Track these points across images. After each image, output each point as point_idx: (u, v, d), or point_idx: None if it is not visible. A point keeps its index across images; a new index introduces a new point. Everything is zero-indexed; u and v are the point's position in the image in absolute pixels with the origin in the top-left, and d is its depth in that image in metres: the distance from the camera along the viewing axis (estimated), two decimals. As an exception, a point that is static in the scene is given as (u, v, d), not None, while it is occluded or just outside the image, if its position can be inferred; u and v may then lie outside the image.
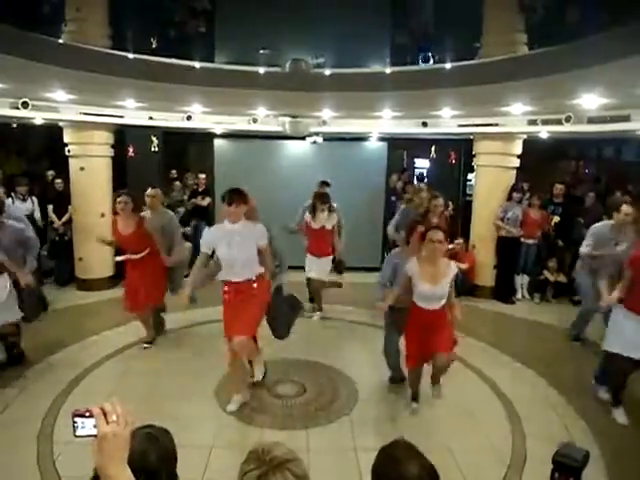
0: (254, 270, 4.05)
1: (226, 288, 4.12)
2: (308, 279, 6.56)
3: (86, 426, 1.18)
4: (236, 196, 3.95)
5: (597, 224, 5.49)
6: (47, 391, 4.43)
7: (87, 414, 1.18)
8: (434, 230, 3.97)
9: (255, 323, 4.16)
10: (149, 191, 5.50)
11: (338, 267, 6.61)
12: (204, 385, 4.62)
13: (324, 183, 7.08)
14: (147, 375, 4.87)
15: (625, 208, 5.06)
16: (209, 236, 4.12)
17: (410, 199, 6.61)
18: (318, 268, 6.35)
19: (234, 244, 3.94)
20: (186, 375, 4.86)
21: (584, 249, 5.36)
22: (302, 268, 6.54)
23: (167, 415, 4.01)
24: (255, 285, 4.06)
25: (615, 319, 4.18)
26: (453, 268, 4.01)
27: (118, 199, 5.10)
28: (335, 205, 6.40)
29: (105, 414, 1.18)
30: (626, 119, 5.74)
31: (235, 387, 4.35)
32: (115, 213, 5.31)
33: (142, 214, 5.22)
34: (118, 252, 5.66)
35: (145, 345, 5.46)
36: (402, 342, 4.45)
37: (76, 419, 1.18)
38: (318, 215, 6.16)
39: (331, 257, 6.42)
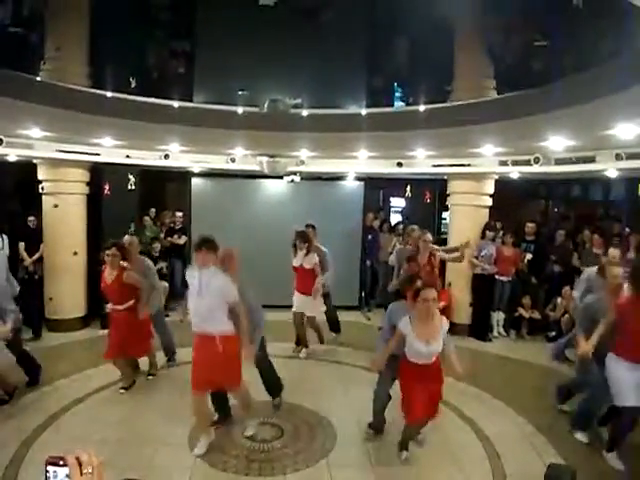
0: (217, 327, 3.87)
1: (196, 338, 4.04)
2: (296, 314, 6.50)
3: (58, 476, 1.12)
4: (204, 243, 3.88)
5: (588, 270, 5.26)
6: (11, 438, 4.19)
7: (61, 463, 1.12)
8: (427, 289, 3.82)
9: (236, 374, 4.07)
10: (126, 238, 5.50)
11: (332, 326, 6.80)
12: (178, 431, 4.45)
13: (309, 226, 6.83)
14: (118, 421, 4.67)
15: (612, 251, 5.05)
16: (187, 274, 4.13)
17: (406, 241, 6.66)
18: (308, 306, 6.35)
19: (199, 292, 3.83)
20: (159, 420, 4.67)
21: (575, 293, 5.21)
22: (288, 307, 6.52)
23: (139, 463, 3.87)
24: (220, 346, 3.87)
25: (616, 373, 3.98)
26: (445, 322, 3.96)
27: (107, 251, 5.07)
28: (324, 249, 6.48)
29: (80, 464, 1.12)
30: (591, 160, 5.98)
31: (201, 429, 4.25)
32: (104, 263, 5.27)
33: (124, 264, 5.18)
34: (106, 301, 5.56)
35: (121, 390, 5.28)
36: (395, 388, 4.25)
37: (49, 467, 1.12)
38: (298, 253, 6.21)
39: (314, 296, 6.37)
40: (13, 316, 4.86)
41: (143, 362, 5.74)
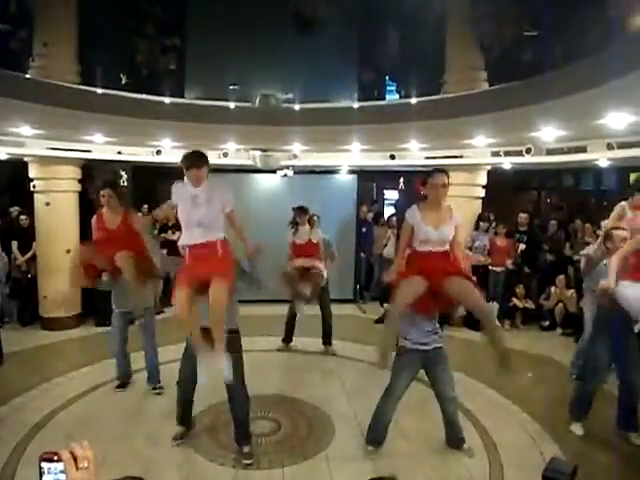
0: (217, 234, 3.71)
1: (187, 252, 3.71)
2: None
3: (53, 472, 1.10)
4: (195, 158, 3.70)
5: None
6: (8, 438, 4.19)
7: (55, 458, 1.11)
8: (437, 173, 3.71)
9: (226, 269, 3.64)
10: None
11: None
12: (174, 426, 4.45)
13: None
14: (114, 418, 4.67)
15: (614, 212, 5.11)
16: (174, 190, 3.80)
17: None
18: (313, 263, 6.12)
19: (197, 204, 3.62)
20: (155, 417, 4.68)
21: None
22: (282, 301, 6.48)
23: (137, 459, 3.87)
24: (219, 249, 3.67)
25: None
26: (456, 217, 3.78)
27: (101, 192, 4.83)
28: (326, 237, 6.40)
29: (75, 459, 1.11)
30: (583, 150, 6.02)
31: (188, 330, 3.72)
32: (98, 209, 4.97)
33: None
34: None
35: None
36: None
37: (43, 464, 1.11)
38: (300, 229, 6.10)
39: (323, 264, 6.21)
40: None
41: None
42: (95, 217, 4.98)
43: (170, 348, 5.59)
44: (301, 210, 6.15)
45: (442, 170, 3.76)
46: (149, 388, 5.26)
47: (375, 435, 4.13)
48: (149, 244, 4.93)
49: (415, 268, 3.70)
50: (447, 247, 3.74)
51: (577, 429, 4.43)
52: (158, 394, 5.16)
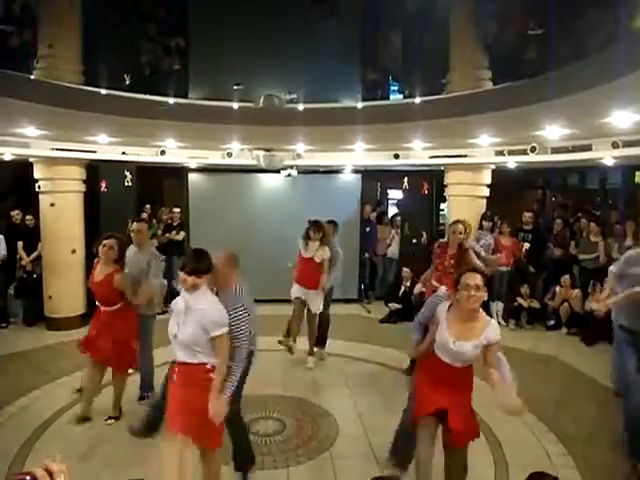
0: (206, 357, 3.06)
1: (176, 368, 3.19)
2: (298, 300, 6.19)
3: None
4: (195, 265, 2.97)
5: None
6: (14, 437, 4.22)
7: (28, 478, 1.09)
8: (470, 273, 3.03)
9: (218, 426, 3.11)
10: (134, 225, 5.03)
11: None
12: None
13: (330, 222, 6.42)
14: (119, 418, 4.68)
15: None
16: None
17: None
18: (311, 299, 6.03)
19: (181, 319, 3.04)
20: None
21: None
22: (285, 301, 6.43)
23: (141, 459, 3.87)
24: (211, 375, 3.06)
25: None
26: (493, 333, 3.04)
27: (104, 241, 4.56)
28: (339, 250, 6.21)
29: (51, 474, 1.10)
30: (588, 149, 5.99)
31: None
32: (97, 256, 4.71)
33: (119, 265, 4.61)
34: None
35: (110, 421, 4.61)
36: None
37: None
38: (310, 244, 5.95)
39: (320, 291, 6.05)
40: None
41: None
42: (95, 262, 4.78)
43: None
44: (315, 225, 5.94)
45: (474, 270, 3.12)
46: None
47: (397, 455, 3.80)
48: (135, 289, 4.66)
49: (428, 374, 3.24)
50: (467, 365, 3.14)
51: None
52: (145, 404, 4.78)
